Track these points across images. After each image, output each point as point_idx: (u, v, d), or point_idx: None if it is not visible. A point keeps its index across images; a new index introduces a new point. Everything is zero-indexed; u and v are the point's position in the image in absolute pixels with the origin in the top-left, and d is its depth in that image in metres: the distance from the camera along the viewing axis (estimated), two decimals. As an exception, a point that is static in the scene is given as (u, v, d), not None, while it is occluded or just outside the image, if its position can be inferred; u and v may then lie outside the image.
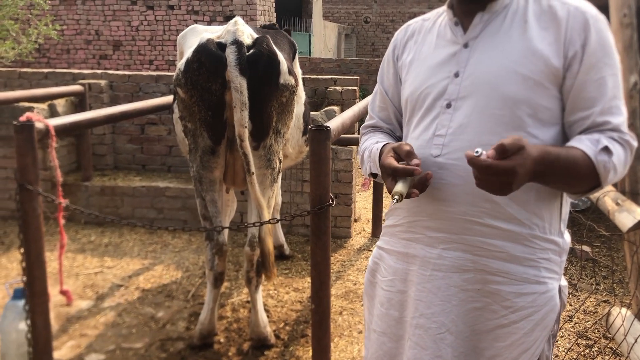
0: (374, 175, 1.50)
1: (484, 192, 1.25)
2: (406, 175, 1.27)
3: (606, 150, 1.24)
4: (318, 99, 5.44)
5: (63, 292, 3.48)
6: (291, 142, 3.37)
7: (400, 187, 1.27)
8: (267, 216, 2.82)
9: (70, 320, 3.39)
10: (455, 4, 1.44)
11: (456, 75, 1.37)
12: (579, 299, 3.68)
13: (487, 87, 1.32)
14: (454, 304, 1.37)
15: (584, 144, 1.25)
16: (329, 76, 5.63)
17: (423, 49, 1.48)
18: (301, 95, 3.39)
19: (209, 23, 11.99)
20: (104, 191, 5.13)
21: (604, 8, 2.52)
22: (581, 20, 1.30)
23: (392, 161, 1.31)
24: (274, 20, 13.22)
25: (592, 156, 1.23)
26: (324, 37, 18.84)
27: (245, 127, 2.65)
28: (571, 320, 3.41)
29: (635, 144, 1.31)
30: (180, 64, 2.82)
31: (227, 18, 11.93)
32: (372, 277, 1.59)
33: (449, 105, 1.36)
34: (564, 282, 1.43)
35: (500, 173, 1.12)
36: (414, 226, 1.43)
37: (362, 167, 1.57)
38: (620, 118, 1.30)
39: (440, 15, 1.50)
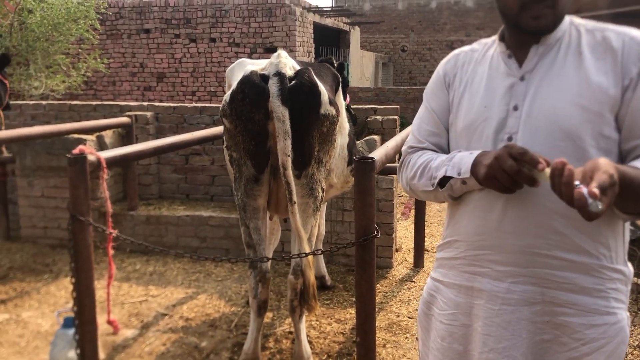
0: (441, 183, 1.45)
1: (551, 224, 1.27)
2: (537, 162, 1.20)
3: None
4: (358, 129, 5.46)
5: (110, 322, 3.54)
6: (336, 172, 3.39)
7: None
8: (306, 247, 2.83)
9: (117, 349, 3.44)
10: (508, 37, 1.44)
11: (515, 108, 1.37)
12: (632, 334, 3.54)
13: (548, 120, 1.32)
14: (523, 337, 1.36)
15: None
16: (369, 105, 5.66)
17: (475, 79, 1.48)
18: (345, 126, 3.41)
19: (250, 55, 12.27)
20: (149, 220, 5.24)
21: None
22: (637, 50, 1.31)
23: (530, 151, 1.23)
24: (312, 51, 13.42)
25: None
26: (361, 66, 19.00)
27: (289, 155, 2.70)
28: (626, 357, 3.27)
29: None
30: (226, 95, 2.90)
31: (268, 49, 12.19)
32: (427, 310, 1.59)
33: (510, 139, 1.36)
34: (627, 312, 1.41)
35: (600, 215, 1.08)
36: (479, 260, 1.42)
37: (420, 180, 1.50)
38: None
39: (491, 47, 1.50)
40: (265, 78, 2.74)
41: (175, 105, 5.86)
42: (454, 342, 1.48)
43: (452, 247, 1.50)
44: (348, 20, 17.34)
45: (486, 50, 1.51)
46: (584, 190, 1.07)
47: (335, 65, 3.68)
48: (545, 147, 1.31)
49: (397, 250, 5.22)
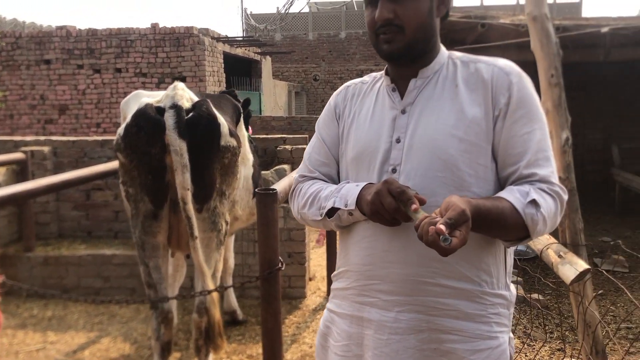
0: (329, 214, 1.44)
1: (434, 253, 1.26)
2: (411, 203, 1.22)
3: (534, 203, 1.27)
4: (268, 158, 5.45)
5: (-1, 375, 3.26)
6: (240, 204, 3.34)
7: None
8: (210, 283, 2.75)
9: (7, 405, 3.17)
10: (390, 71, 1.48)
11: (398, 140, 1.40)
12: (533, 349, 3.69)
13: (428, 151, 1.35)
14: None
15: (513, 195, 1.28)
16: (279, 135, 5.68)
17: (362, 112, 1.50)
18: (248, 157, 3.38)
19: (158, 85, 12.00)
20: (48, 261, 4.92)
21: (531, 63, 2.65)
22: (505, 81, 1.36)
23: (407, 190, 1.25)
24: (224, 81, 13.35)
25: (520, 209, 1.26)
26: (274, 95, 19.11)
27: (188, 189, 2.63)
28: (528, 372, 3.39)
29: (565, 196, 1.35)
30: (120, 129, 2.80)
31: (176, 79, 11.96)
32: (323, 342, 1.56)
33: (394, 170, 1.38)
34: (510, 334, 1.44)
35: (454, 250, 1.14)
36: (367, 290, 1.42)
37: (310, 209, 1.49)
38: (548, 170, 1.34)
39: (379, 80, 1.53)
40: (161, 110, 2.67)
41: (74, 139, 5.60)
42: None
43: (344, 277, 1.49)
44: (259, 50, 17.42)
45: (374, 83, 1.54)
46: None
47: (239, 97, 3.66)
48: (426, 178, 1.34)
49: (310, 279, 5.19)
